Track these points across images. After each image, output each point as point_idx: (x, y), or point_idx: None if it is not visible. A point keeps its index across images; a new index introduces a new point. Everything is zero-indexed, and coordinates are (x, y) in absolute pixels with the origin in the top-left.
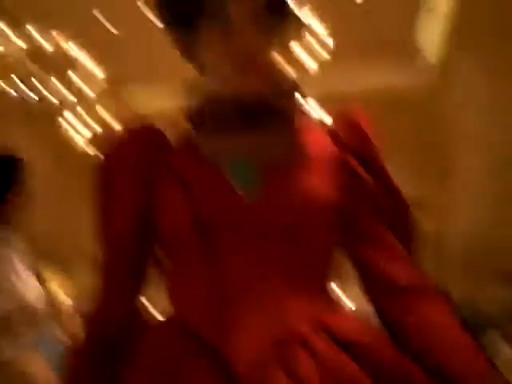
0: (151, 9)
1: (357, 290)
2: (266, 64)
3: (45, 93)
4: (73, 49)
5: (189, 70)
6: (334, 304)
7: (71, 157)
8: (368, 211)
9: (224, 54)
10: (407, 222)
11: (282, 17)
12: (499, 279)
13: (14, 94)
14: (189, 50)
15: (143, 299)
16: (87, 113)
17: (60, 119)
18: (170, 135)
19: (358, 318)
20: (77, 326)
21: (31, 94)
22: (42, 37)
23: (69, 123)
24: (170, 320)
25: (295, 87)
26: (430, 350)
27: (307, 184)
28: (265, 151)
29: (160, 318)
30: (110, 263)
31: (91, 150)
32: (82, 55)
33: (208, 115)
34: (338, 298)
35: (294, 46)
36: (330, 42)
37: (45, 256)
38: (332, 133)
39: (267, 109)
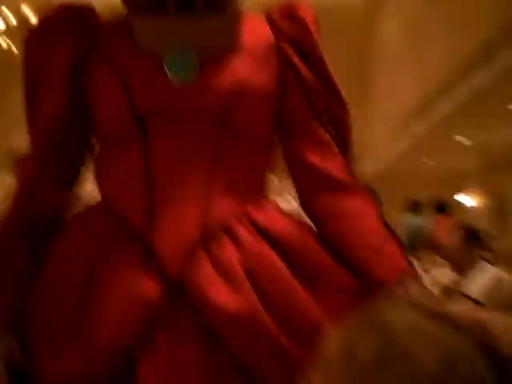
0: None
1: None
2: None
3: None
4: None
5: None
6: (266, 200)
7: None
8: (304, 105)
9: None
10: (344, 121)
11: None
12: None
13: None
14: None
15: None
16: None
17: None
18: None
19: (287, 214)
20: None
21: None
22: None
23: None
24: (97, 205)
25: None
26: (344, 234)
27: (241, 70)
28: (201, 38)
29: None
30: (37, 150)
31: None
32: None
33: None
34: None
35: None
36: None
37: None
38: (271, 21)
39: None
